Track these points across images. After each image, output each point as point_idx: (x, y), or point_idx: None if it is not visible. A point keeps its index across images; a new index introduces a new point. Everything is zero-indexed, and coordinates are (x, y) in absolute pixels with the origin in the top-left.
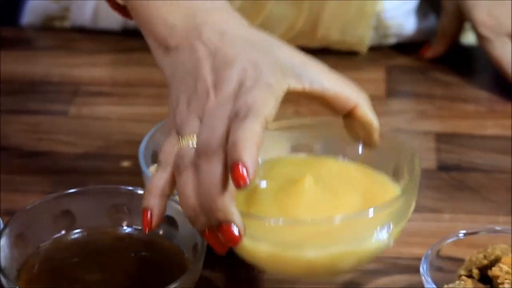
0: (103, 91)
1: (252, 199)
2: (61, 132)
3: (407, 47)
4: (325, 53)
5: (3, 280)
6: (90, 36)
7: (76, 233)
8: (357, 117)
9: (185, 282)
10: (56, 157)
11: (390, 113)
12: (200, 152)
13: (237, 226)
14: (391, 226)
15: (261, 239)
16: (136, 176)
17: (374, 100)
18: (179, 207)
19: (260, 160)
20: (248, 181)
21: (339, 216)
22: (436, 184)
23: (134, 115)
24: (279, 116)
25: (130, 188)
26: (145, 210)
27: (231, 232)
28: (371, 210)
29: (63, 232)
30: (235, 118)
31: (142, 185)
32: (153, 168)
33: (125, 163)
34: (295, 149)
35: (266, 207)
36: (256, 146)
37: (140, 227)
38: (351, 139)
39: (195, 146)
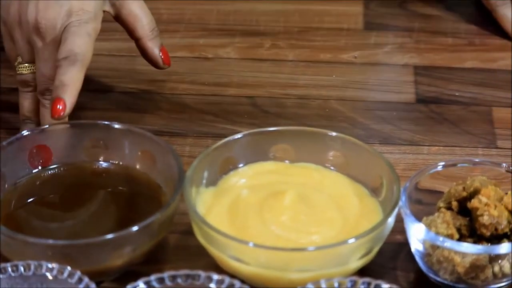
0: None
1: (237, 211)
2: None
3: None
4: None
5: None
6: None
7: (52, 169)
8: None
9: (163, 216)
10: None
11: (368, 46)
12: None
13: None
14: (373, 247)
15: (244, 260)
16: (112, 111)
17: (352, 33)
18: (157, 140)
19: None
20: (62, 115)
21: (322, 245)
22: (414, 117)
23: (111, 50)
24: None
25: (106, 122)
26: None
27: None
28: (352, 240)
29: (39, 168)
30: (64, 61)
31: (119, 120)
32: None
33: (102, 98)
34: (277, 156)
35: (250, 221)
36: (77, 90)
37: (117, 161)
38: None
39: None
